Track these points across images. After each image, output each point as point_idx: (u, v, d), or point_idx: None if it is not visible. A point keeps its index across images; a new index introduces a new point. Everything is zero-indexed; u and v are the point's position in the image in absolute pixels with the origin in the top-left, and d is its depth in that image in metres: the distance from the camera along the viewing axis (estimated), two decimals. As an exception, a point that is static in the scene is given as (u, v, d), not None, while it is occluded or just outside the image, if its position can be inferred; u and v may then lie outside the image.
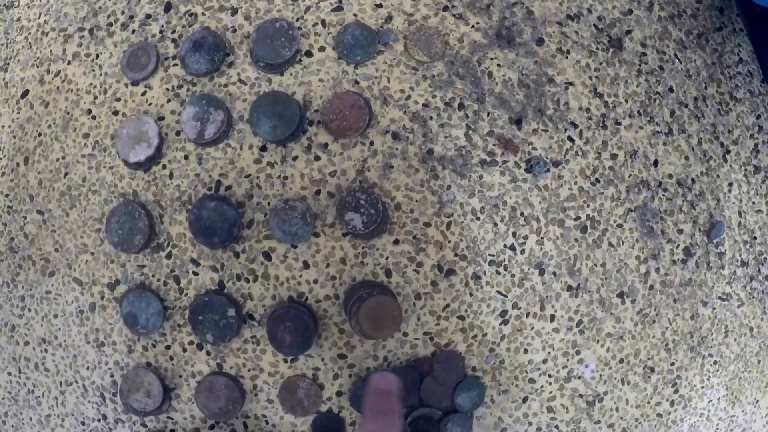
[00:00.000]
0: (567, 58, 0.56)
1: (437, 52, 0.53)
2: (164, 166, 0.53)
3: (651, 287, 0.56)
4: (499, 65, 0.54)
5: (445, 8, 0.55)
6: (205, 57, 0.53)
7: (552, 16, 0.57)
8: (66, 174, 0.55)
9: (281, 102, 0.52)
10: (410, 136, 0.52)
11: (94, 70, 0.57)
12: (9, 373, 0.59)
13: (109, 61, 0.56)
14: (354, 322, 0.49)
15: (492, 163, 0.53)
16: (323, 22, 0.54)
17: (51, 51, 0.58)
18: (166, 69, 0.55)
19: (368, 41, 0.53)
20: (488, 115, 0.53)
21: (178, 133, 0.53)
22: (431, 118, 0.53)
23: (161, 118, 0.54)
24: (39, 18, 0.60)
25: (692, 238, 0.57)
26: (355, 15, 0.54)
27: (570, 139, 0.54)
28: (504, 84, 0.54)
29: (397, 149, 0.52)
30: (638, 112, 0.57)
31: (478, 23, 0.55)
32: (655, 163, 0.56)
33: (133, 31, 0.57)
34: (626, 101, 0.56)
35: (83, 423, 0.57)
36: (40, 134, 0.57)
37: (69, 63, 0.57)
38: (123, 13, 0.58)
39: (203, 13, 0.55)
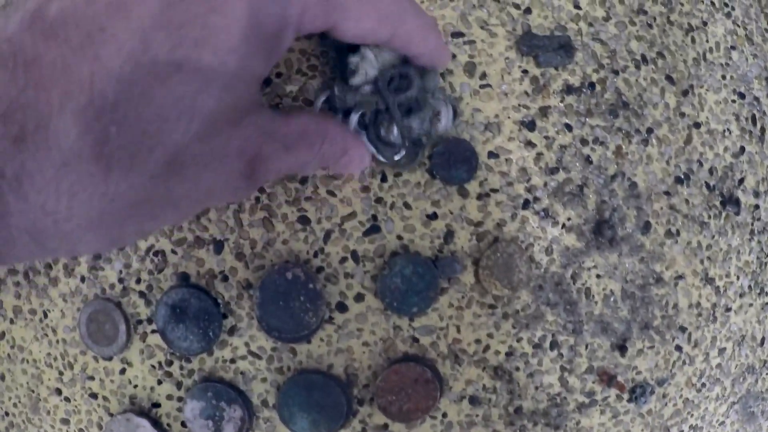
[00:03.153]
0: (677, 242, 0.32)
1: (521, 279, 0.29)
2: (176, 465, 0.31)
3: (736, 460, 0.39)
4: (598, 276, 0.30)
5: (526, 204, 0.29)
6: (194, 330, 0.27)
7: (658, 185, 0.31)
8: (51, 469, 0.32)
9: (318, 387, 0.28)
10: (493, 397, 0.30)
11: (47, 335, 0.30)
12: None
13: (63, 323, 0.30)
14: None
15: (591, 403, 0.31)
16: (354, 255, 0.28)
17: (-24, 302, 0.32)
18: (143, 338, 0.29)
19: (426, 282, 0.27)
20: (587, 348, 0.31)
21: (185, 424, 0.30)
22: (517, 368, 0.30)
23: (156, 405, 0.30)
24: None
25: (781, 399, 0.39)
26: (399, 237, 0.28)
27: (678, 348, 0.33)
28: (605, 301, 0.31)
29: (477, 416, 0.30)
30: (749, 286, 0.34)
31: (569, 219, 0.29)
32: (762, 341, 0.36)
33: (83, 279, 0.30)
34: (738, 278, 0.34)
35: None
36: (7, 413, 0.32)
37: (12, 322, 0.31)
38: (59, 247, 0.30)
39: (174, 251, 0.28)
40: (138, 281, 0.27)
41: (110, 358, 0.27)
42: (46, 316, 0.28)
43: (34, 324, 0.28)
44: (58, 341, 0.28)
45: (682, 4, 0.32)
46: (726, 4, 0.34)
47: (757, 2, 0.35)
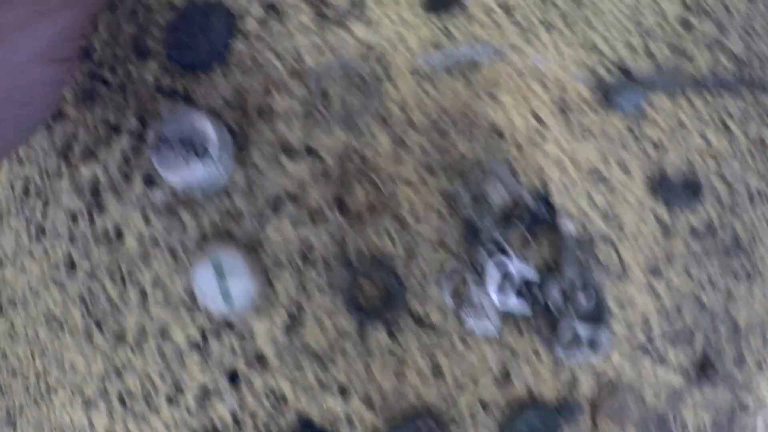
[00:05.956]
0: (765, 372, 0.33)
1: (631, 418, 0.30)
2: None
3: None
4: (696, 410, 0.32)
5: (643, 350, 0.30)
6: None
7: (758, 321, 0.32)
8: None
9: None
10: None
11: (143, 462, 0.29)
12: None
13: (165, 452, 0.29)
14: None
15: None
16: (483, 404, 0.28)
17: (72, 419, 0.29)
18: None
19: (549, 429, 0.28)
20: (674, 471, 0.33)
21: None
22: (614, 494, 0.31)
23: None
24: (33, 359, 0.29)
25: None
26: (526, 385, 0.28)
27: (746, 461, 0.35)
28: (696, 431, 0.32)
29: None
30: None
31: (678, 361, 0.30)
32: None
33: (189, 411, 0.28)
34: (802, 394, 0.36)
35: None
36: None
37: (101, 446, 0.29)
38: (162, 376, 0.28)
39: (294, 392, 0.27)
40: (253, 416, 0.26)
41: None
42: (145, 442, 0.27)
43: (131, 449, 0.27)
44: (158, 467, 0.27)
45: (795, 130, 0.32)
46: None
47: None
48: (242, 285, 0.25)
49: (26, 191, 0.28)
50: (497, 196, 0.22)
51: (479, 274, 0.24)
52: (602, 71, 0.27)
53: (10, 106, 0.18)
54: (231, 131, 0.26)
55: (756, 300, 0.31)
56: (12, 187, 0.29)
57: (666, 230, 0.28)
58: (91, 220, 0.27)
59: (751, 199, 0.31)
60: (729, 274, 0.30)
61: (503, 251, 0.25)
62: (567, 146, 0.27)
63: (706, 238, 0.29)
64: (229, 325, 0.26)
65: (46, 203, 0.28)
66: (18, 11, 0.17)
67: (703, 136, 0.29)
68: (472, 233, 0.25)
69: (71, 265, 0.27)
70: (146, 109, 0.26)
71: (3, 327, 0.29)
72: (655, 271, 0.28)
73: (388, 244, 0.25)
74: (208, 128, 0.24)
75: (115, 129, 0.27)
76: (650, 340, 0.28)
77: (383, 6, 0.25)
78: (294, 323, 0.25)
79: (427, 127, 0.25)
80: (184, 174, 0.24)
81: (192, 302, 0.26)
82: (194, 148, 0.24)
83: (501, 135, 0.25)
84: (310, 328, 0.25)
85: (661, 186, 0.27)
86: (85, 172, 0.27)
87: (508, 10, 0.26)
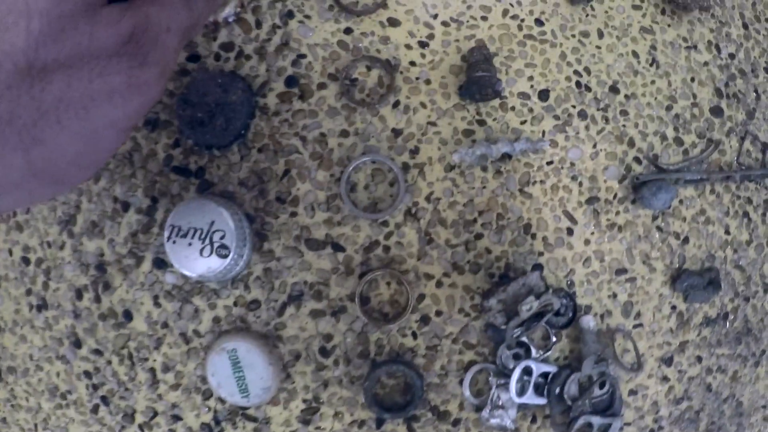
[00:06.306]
0: None
1: None
2: None
3: None
4: None
5: None
6: None
7: (759, 400, 0.33)
8: None
9: None
10: None
11: None
12: None
13: None
14: None
15: None
16: None
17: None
18: None
19: None
20: None
21: None
22: None
23: None
24: (36, 428, 0.27)
25: None
26: None
27: None
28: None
29: None
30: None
31: None
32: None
33: None
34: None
35: None
36: None
37: None
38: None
39: None
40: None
41: None
42: None
43: None
44: None
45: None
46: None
47: None
48: (259, 377, 0.24)
49: (26, 260, 0.27)
50: (526, 306, 0.21)
51: (500, 370, 0.24)
52: (634, 164, 0.26)
53: (72, 168, 0.17)
54: (249, 217, 0.24)
55: (759, 381, 0.32)
56: (10, 253, 0.27)
57: (681, 320, 0.28)
58: (97, 297, 0.25)
59: (766, 287, 0.31)
60: (737, 359, 0.30)
61: (526, 349, 0.25)
62: (594, 242, 0.26)
63: (718, 325, 0.29)
64: (244, 411, 0.25)
65: (47, 274, 0.26)
66: (112, 82, 0.16)
67: (724, 226, 0.29)
68: (495, 332, 0.25)
69: (76, 341, 0.26)
70: (156, 187, 0.25)
71: (2, 394, 0.28)
72: (667, 360, 0.28)
73: (410, 339, 0.25)
74: (225, 221, 0.23)
75: (123, 204, 0.25)
76: (658, 423, 0.29)
77: (417, 90, 0.24)
78: (310, 412, 0.25)
79: (455, 221, 0.24)
80: (199, 267, 0.23)
81: (205, 387, 0.25)
82: (211, 241, 0.23)
83: (529, 231, 0.25)
84: (326, 418, 0.25)
85: (681, 281, 0.27)
86: (90, 246, 0.25)
87: (544, 98, 0.25)
